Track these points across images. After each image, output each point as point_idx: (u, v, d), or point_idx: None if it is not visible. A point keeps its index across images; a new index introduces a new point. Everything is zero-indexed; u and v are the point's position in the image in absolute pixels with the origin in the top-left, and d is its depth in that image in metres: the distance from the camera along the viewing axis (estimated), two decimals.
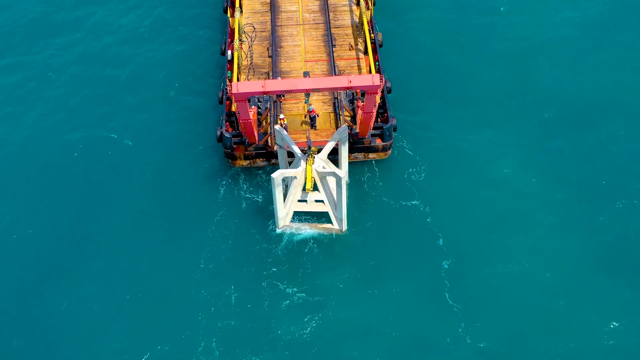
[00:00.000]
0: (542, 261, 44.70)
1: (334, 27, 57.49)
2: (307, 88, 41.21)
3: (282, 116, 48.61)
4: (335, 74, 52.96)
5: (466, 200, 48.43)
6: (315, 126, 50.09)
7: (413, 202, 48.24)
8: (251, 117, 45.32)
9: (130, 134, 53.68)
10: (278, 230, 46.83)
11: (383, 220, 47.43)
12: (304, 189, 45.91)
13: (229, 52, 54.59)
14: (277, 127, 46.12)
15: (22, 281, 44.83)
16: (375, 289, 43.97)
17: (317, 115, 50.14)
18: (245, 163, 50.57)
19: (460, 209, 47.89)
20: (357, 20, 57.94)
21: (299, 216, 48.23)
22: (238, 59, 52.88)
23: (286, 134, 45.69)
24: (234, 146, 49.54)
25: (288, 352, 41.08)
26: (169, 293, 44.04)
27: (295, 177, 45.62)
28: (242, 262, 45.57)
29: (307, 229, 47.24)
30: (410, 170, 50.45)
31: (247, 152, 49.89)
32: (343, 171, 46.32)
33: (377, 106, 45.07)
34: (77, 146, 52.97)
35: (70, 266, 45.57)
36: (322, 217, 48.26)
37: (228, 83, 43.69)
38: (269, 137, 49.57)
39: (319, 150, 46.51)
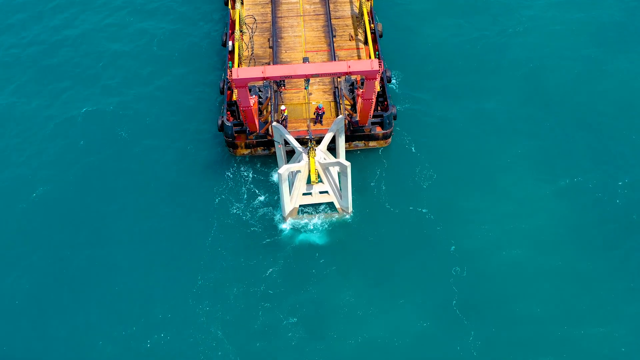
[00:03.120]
0: (552, 271, 43.70)
1: (334, 18, 57.84)
2: (307, 73, 41.46)
3: (283, 107, 48.88)
4: None
5: (473, 205, 47.52)
6: (321, 122, 50.27)
7: (418, 207, 47.33)
8: (252, 105, 45.61)
9: (129, 127, 53.70)
10: (284, 226, 46.64)
11: (388, 226, 46.66)
12: (308, 181, 46.05)
13: (230, 43, 54.93)
14: (275, 124, 46.41)
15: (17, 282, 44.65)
16: (382, 297, 42.95)
17: (324, 113, 50.39)
18: (246, 152, 50.83)
19: (468, 214, 46.91)
20: (357, 11, 58.27)
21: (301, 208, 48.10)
22: (239, 49, 53.25)
23: (285, 130, 45.93)
24: (235, 135, 49.82)
25: None
26: (164, 308, 42.81)
27: (299, 171, 45.88)
28: (243, 272, 44.46)
29: (314, 220, 47.13)
30: (414, 169, 49.75)
31: (248, 141, 50.15)
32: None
33: (376, 93, 45.31)
34: (75, 139, 53.08)
35: (69, 256, 45.60)
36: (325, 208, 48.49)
37: (229, 73, 44.10)
38: (270, 126, 49.81)
39: (318, 141, 46.90)
